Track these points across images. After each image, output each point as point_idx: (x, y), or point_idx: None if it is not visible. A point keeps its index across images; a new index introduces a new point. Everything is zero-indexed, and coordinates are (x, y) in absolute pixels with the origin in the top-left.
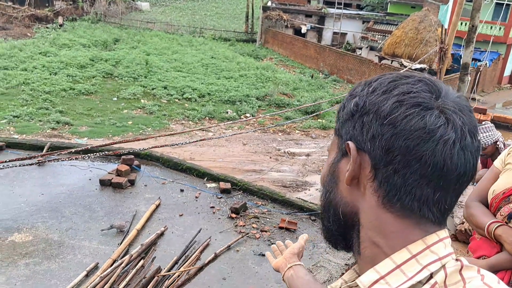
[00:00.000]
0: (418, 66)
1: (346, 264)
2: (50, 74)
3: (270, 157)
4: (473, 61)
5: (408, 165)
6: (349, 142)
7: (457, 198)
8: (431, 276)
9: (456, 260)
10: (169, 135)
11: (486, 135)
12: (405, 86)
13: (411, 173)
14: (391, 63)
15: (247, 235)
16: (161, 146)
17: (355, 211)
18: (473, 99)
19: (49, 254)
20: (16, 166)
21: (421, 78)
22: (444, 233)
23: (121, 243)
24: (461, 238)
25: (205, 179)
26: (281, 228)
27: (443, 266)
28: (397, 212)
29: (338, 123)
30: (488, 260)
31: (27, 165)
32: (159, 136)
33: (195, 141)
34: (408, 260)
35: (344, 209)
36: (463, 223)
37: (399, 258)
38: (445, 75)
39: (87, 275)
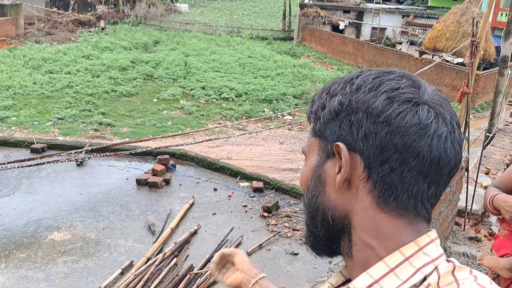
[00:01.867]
0: (460, 60)
1: (329, 262)
2: (93, 76)
3: None
4: None
5: (406, 162)
6: (339, 144)
7: (444, 190)
8: (424, 278)
9: (448, 261)
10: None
11: None
12: (391, 82)
13: (409, 170)
14: (432, 57)
15: (279, 234)
16: (174, 145)
17: (345, 214)
18: None
19: (86, 252)
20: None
21: (403, 74)
22: (433, 233)
23: (155, 242)
24: None
25: (238, 178)
26: None
27: (436, 268)
28: (392, 212)
29: (318, 123)
30: (511, 258)
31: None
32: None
33: (200, 142)
34: (401, 263)
35: (333, 213)
36: None
37: (392, 261)
38: (488, 69)
39: (122, 273)
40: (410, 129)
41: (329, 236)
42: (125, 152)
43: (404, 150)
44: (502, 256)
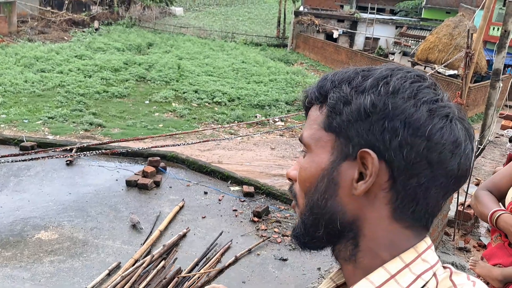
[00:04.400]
0: (452, 72)
1: (318, 269)
2: (85, 77)
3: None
4: (509, 68)
5: (435, 179)
6: (370, 152)
7: None
8: (424, 285)
9: (444, 267)
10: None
11: None
12: (429, 92)
13: (435, 186)
14: (424, 68)
15: (269, 239)
16: (161, 146)
17: (355, 220)
18: (506, 106)
19: (73, 253)
20: (40, 158)
21: (432, 81)
22: (429, 239)
23: (143, 244)
24: None
25: (229, 182)
26: None
27: (434, 274)
28: (406, 223)
29: (338, 118)
30: (504, 270)
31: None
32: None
33: (195, 143)
34: (401, 270)
35: (343, 218)
36: None
37: (392, 268)
38: (479, 82)
39: (109, 274)
40: (447, 147)
41: (328, 239)
42: (121, 150)
43: (438, 167)
44: (494, 266)
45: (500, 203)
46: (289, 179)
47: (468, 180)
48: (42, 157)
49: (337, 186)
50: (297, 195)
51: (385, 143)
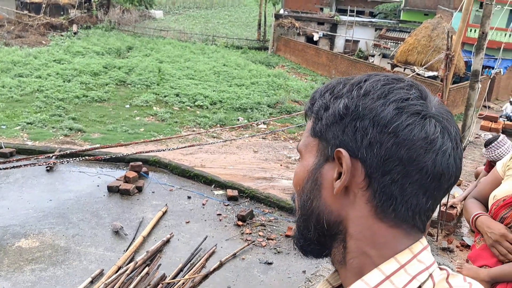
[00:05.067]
0: (431, 73)
1: (303, 272)
2: (64, 81)
3: (281, 165)
4: (487, 69)
5: (408, 176)
6: (342, 150)
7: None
8: (419, 286)
9: (440, 269)
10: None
11: (500, 151)
12: (400, 92)
13: (410, 183)
14: (404, 70)
15: (253, 243)
16: (146, 152)
17: (341, 220)
18: (485, 106)
19: (55, 260)
20: (22, 166)
21: (411, 83)
22: (425, 240)
23: (126, 250)
24: None
25: (213, 186)
26: (287, 236)
27: (430, 275)
28: (390, 222)
29: (319, 124)
30: (490, 271)
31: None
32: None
33: (181, 147)
34: (397, 271)
35: (329, 218)
36: None
37: (387, 269)
38: (457, 83)
39: (92, 282)
40: (417, 143)
41: (321, 240)
42: (104, 156)
43: (409, 163)
44: (480, 267)
45: (485, 209)
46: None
47: None
48: (24, 165)
49: (320, 187)
50: (294, 200)
51: (357, 142)
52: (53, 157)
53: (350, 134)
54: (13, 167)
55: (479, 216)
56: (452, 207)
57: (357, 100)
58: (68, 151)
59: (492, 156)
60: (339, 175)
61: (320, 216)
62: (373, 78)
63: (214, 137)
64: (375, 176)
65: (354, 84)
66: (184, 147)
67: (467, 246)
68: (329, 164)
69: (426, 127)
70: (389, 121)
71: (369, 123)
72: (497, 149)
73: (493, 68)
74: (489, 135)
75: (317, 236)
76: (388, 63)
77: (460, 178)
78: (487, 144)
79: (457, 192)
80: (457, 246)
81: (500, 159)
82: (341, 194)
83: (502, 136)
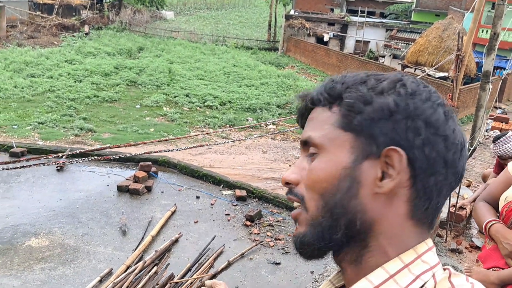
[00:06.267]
0: (442, 74)
1: (311, 272)
2: (75, 81)
3: (290, 165)
4: (499, 70)
5: (448, 178)
6: (399, 149)
7: None
8: (423, 285)
9: (444, 269)
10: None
11: (508, 146)
12: (438, 96)
13: (446, 185)
14: (414, 71)
15: (261, 243)
16: (155, 152)
17: (374, 219)
18: (495, 107)
19: (64, 259)
20: (32, 165)
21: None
22: (430, 241)
23: (135, 249)
24: None
25: (221, 186)
26: None
27: (433, 275)
28: (417, 221)
29: (358, 117)
30: (500, 273)
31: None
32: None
33: (192, 147)
34: (400, 270)
35: (363, 217)
36: None
37: (392, 268)
38: (468, 84)
39: (100, 281)
40: (458, 147)
41: (344, 241)
42: (114, 156)
43: (451, 166)
44: (489, 269)
45: (496, 211)
46: (286, 183)
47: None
48: (34, 165)
49: (359, 185)
50: (305, 197)
51: (409, 141)
52: (63, 156)
53: (401, 132)
54: (23, 166)
55: (494, 224)
56: (461, 208)
57: (406, 98)
58: (77, 151)
59: (500, 151)
60: (383, 174)
61: (355, 216)
62: (408, 77)
63: (223, 138)
64: (421, 177)
65: (395, 81)
66: (193, 147)
67: (477, 248)
68: (370, 161)
69: (461, 133)
70: (442, 124)
71: (422, 123)
72: (505, 144)
73: (504, 69)
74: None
75: (344, 236)
76: (399, 63)
77: (469, 179)
78: (495, 139)
79: (466, 194)
80: (466, 248)
81: (508, 154)
82: (382, 193)
83: (510, 132)
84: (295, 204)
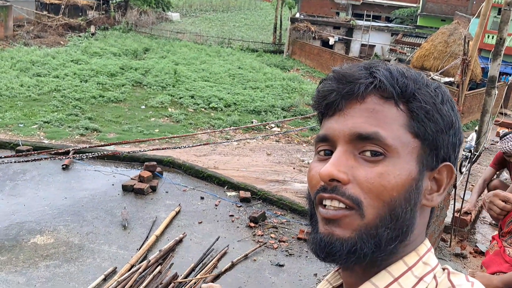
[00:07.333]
0: (447, 79)
1: (315, 275)
2: (81, 81)
3: (294, 168)
4: (504, 75)
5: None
6: (453, 166)
7: None
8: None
9: (443, 269)
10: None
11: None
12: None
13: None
14: None
15: (265, 245)
16: (163, 149)
17: (413, 229)
18: (501, 113)
19: (69, 257)
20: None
21: None
22: (428, 242)
23: (139, 249)
24: None
25: (225, 187)
26: (299, 239)
27: (434, 276)
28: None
29: (431, 126)
30: (503, 277)
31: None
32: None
33: (198, 145)
34: (404, 273)
35: (412, 228)
36: None
37: (396, 271)
38: (474, 89)
39: (104, 279)
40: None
41: (394, 251)
42: (123, 153)
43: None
44: (493, 274)
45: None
46: (331, 180)
47: (464, 187)
48: (45, 158)
49: (417, 198)
50: (363, 203)
51: (451, 157)
52: (70, 152)
53: (451, 147)
54: (34, 160)
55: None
56: (466, 213)
57: (455, 114)
58: (87, 146)
59: (505, 147)
60: (439, 188)
61: (411, 227)
62: (439, 85)
63: (228, 139)
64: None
65: (442, 91)
66: (199, 145)
67: (481, 253)
68: (428, 173)
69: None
70: (462, 137)
71: (458, 141)
72: (511, 141)
73: (510, 75)
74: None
75: (397, 247)
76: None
77: (474, 184)
78: (502, 136)
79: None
80: (470, 253)
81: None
82: (428, 206)
83: None
84: (335, 203)
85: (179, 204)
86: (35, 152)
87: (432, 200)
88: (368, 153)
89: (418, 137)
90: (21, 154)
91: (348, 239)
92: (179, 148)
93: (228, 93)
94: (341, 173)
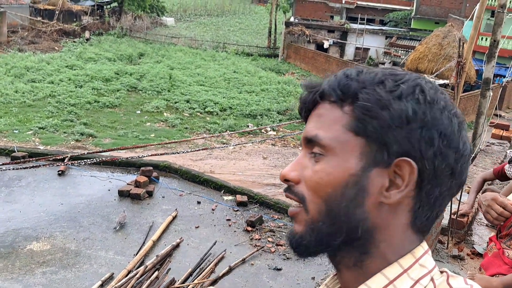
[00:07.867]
0: (442, 81)
1: (312, 278)
2: (76, 87)
3: None
4: (499, 77)
5: (452, 189)
6: (411, 161)
7: None
8: None
9: (441, 272)
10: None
11: None
12: (452, 105)
13: (450, 195)
14: None
15: (262, 249)
16: (161, 154)
17: (375, 227)
18: (496, 115)
19: (65, 263)
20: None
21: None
22: (425, 244)
23: (136, 254)
24: None
25: (222, 191)
26: None
27: (432, 279)
28: (417, 229)
29: (373, 123)
30: (503, 279)
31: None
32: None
33: (195, 150)
34: (400, 275)
35: (365, 225)
36: None
37: (391, 273)
38: (468, 91)
39: (102, 285)
40: (466, 159)
41: (341, 247)
42: (120, 158)
43: (458, 177)
44: (492, 276)
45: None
46: (285, 180)
47: (461, 189)
48: (44, 165)
49: (365, 194)
50: (306, 199)
51: (421, 152)
52: (65, 159)
53: (414, 142)
54: (32, 167)
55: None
56: (463, 215)
57: (425, 107)
58: (85, 152)
59: None
60: (391, 183)
61: (357, 224)
62: (426, 82)
63: (224, 143)
64: (427, 188)
65: (414, 86)
66: (196, 150)
67: (478, 254)
68: (378, 170)
69: (469, 142)
70: (455, 136)
71: (437, 134)
72: None
73: (504, 76)
74: None
75: (343, 243)
76: None
77: (470, 186)
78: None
79: (468, 198)
80: (467, 254)
81: None
82: (387, 203)
83: None
84: (293, 201)
85: (176, 209)
86: (31, 158)
87: (389, 197)
88: (313, 154)
89: (361, 135)
90: (18, 161)
91: (300, 234)
92: (177, 153)
93: (223, 97)
94: (292, 173)
